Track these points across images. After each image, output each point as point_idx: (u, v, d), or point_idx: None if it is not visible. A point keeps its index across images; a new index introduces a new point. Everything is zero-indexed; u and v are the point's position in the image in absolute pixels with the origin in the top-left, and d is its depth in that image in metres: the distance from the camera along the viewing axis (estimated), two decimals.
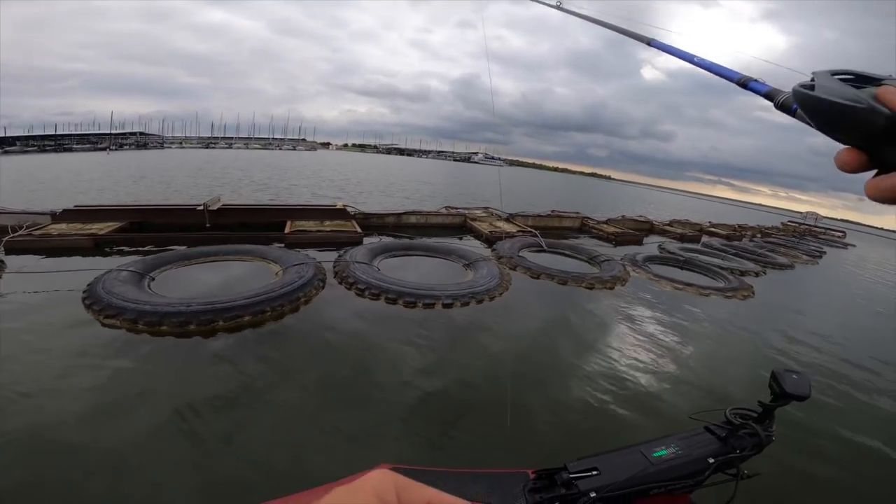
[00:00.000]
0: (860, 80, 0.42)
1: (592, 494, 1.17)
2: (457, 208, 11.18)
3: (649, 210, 23.79)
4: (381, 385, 3.42)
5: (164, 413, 2.82)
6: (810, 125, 0.44)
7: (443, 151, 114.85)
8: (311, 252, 6.54)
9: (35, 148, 54.99)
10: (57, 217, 7.49)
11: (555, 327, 4.97)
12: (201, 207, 8.01)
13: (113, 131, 68.78)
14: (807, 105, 0.43)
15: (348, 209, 9.08)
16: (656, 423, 3.28)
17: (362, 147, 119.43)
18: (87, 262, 5.83)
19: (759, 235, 18.83)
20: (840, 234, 28.09)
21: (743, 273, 9.03)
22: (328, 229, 7.85)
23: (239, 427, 2.77)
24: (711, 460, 1.27)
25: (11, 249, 6.03)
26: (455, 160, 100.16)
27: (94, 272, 4.78)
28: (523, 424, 3.06)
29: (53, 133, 63.54)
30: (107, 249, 6.56)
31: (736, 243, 13.96)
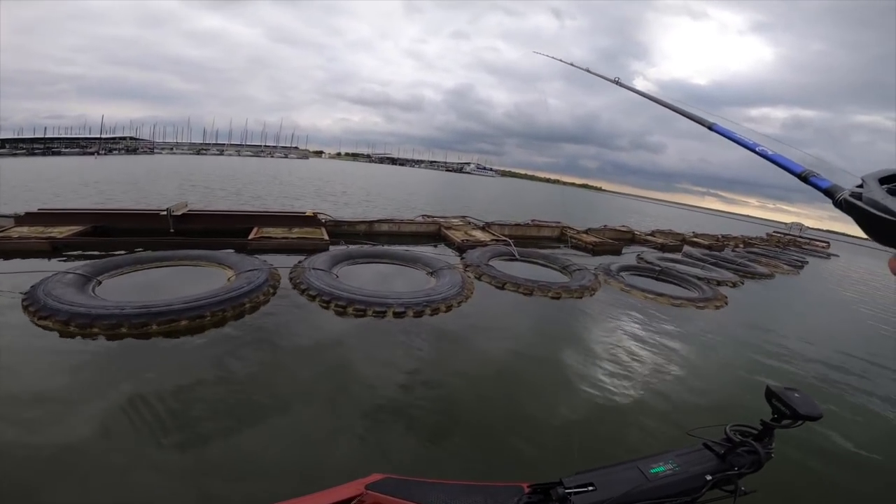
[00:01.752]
0: None
1: None
2: (433, 216, 11.01)
3: (639, 221, 23.86)
4: (316, 391, 3.24)
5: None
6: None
7: (435, 161, 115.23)
8: (279, 258, 6.41)
9: (24, 151, 54.41)
10: (20, 220, 7.30)
11: (507, 337, 4.78)
12: (164, 212, 7.84)
13: (103, 136, 68.23)
14: (854, 215, 0.48)
15: (320, 216, 8.91)
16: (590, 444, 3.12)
17: (355, 156, 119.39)
18: (42, 264, 5.67)
19: (741, 246, 18.90)
20: (824, 244, 28.34)
21: (720, 283, 8.96)
22: (294, 236, 7.65)
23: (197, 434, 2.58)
24: (709, 477, 1.24)
25: None
26: (447, 170, 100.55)
27: (44, 274, 4.70)
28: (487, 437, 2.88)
29: (42, 136, 63.06)
30: (66, 253, 6.39)
31: (717, 253, 13.95)
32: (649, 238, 14.88)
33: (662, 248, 13.66)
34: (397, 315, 4.59)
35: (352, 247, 7.70)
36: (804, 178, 0.68)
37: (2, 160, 38.97)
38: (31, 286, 4.35)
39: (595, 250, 11.13)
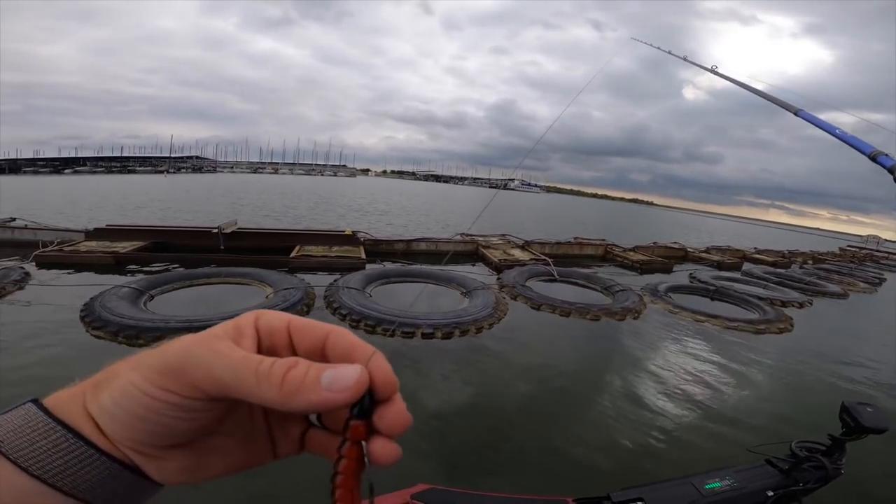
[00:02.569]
0: None
1: None
2: (471, 235, 10.93)
3: (695, 237, 22.57)
4: None
5: None
6: None
7: (479, 178, 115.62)
8: (320, 277, 6.58)
9: (103, 169, 60.59)
10: (89, 235, 8.04)
11: (535, 359, 4.57)
12: (216, 230, 8.28)
13: (172, 155, 74.41)
14: None
15: (359, 235, 9.12)
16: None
17: (400, 174, 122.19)
18: (105, 278, 6.10)
19: (810, 262, 17.32)
20: None
21: (785, 304, 8.16)
22: (333, 255, 7.85)
23: None
24: (770, 493, 1.20)
25: (43, 263, 6.52)
26: (491, 187, 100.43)
27: (105, 287, 5.06)
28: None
29: (120, 155, 69.83)
30: (129, 267, 6.89)
31: (782, 271, 12.80)
32: (704, 255, 13.94)
33: (719, 265, 12.76)
34: (425, 336, 4.51)
35: (387, 265, 7.77)
36: (873, 157, 0.71)
37: (85, 177, 43.74)
38: (91, 298, 4.67)
39: (643, 269, 10.57)
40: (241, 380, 0.26)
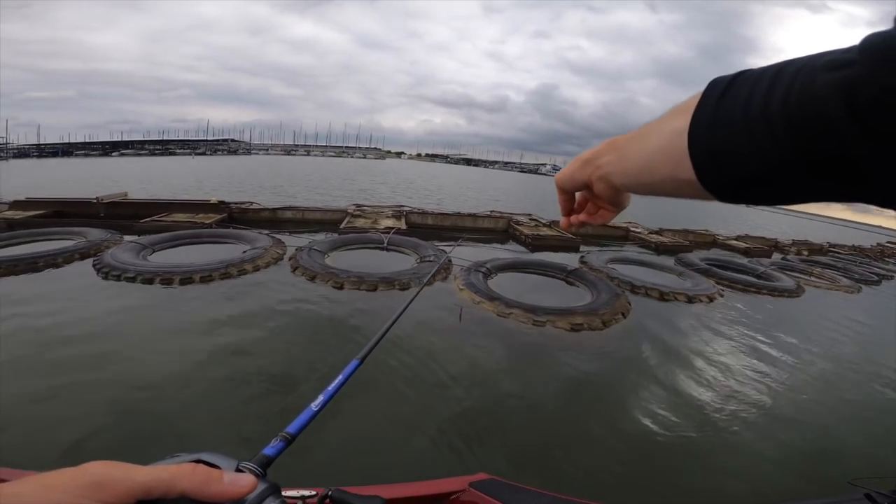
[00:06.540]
0: None
1: None
2: (361, 206, 10.82)
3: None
4: None
5: None
6: None
7: (510, 162, 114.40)
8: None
9: (147, 151, 65.38)
10: (11, 205, 9.08)
11: None
12: (96, 200, 9.28)
13: (210, 138, 79.13)
14: None
15: (233, 205, 9.77)
16: None
17: (433, 157, 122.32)
18: None
19: (805, 252, 15.54)
20: None
21: (691, 298, 6.65)
22: (184, 220, 8.48)
23: None
24: None
25: None
26: (521, 171, 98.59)
27: None
28: None
29: (161, 139, 75.34)
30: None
31: (738, 260, 11.34)
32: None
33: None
34: None
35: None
36: None
37: (129, 159, 47.45)
38: None
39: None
40: (160, 479, 0.31)
